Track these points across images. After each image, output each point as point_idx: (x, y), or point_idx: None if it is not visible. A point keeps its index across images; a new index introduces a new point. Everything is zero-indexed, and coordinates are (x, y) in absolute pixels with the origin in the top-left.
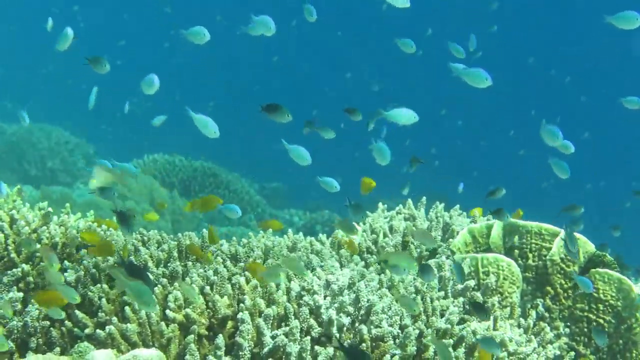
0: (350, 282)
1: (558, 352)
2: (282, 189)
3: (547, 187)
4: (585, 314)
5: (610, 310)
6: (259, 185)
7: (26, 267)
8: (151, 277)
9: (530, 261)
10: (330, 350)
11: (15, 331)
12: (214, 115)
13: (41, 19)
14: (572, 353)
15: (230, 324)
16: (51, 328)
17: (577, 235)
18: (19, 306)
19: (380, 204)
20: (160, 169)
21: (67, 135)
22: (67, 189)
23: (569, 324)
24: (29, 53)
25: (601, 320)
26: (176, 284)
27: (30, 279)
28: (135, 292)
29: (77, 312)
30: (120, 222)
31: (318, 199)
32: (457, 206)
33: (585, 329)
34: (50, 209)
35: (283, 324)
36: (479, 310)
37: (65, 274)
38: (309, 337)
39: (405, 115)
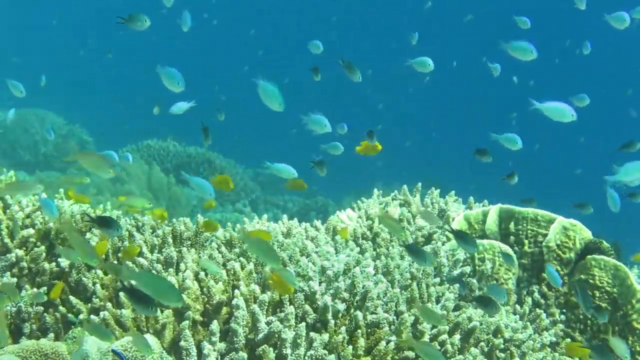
0: (346, 268)
1: (554, 339)
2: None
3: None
4: None
5: (606, 297)
6: (253, 172)
7: (20, 252)
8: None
9: (526, 247)
10: (326, 336)
11: (9, 316)
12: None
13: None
14: (568, 339)
15: (225, 309)
16: (45, 314)
17: (574, 221)
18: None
19: (375, 190)
20: (154, 155)
21: (60, 120)
22: (61, 174)
23: (564, 310)
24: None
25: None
26: (196, 256)
27: (24, 264)
28: (153, 287)
29: (71, 297)
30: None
31: (312, 185)
32: (453, 192)
33: (582, 316)
34: (44, 194)
35: (278, 310)
36: (488, 304)
37: (59, 259)
38: (304, 323)
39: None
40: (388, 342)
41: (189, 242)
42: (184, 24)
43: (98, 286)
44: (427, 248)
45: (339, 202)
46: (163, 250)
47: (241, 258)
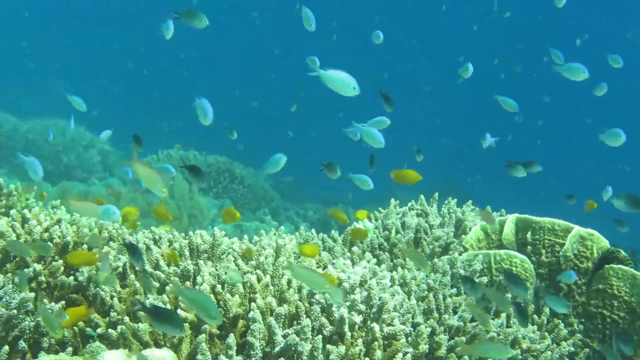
0: (362, 279)
1: (572, 349)
2: (297, 183)
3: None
4: (600, 310)
5: (624, 306)
6: (274, 180)
7: (38, 266)
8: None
9: (543, 257)
10: (342, 348)
11: (28, 331)
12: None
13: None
14: (587, 350)
15: (241, 323)
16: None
17: (591, 231)
18: (30, 306)
19: (392, 200)
20: (174, 164)
21: (82, 130)
22: (85, 184)
23: (583, 320)
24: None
25: (615, 317)
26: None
27: (42, 278)
28: (197, 304)
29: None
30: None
31: (332, 193)
32: (470, 201)
33: (600, 325)
34: (63, 207)
35: (295, 322)
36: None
37: (77, 273)
38: (320, 336)
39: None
40: (405, 354)
41: (206, 255)
42: (166, 32)
43: (115, 300)
44: (444, 258)
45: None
46: (180, 263)
47: (257, 270)
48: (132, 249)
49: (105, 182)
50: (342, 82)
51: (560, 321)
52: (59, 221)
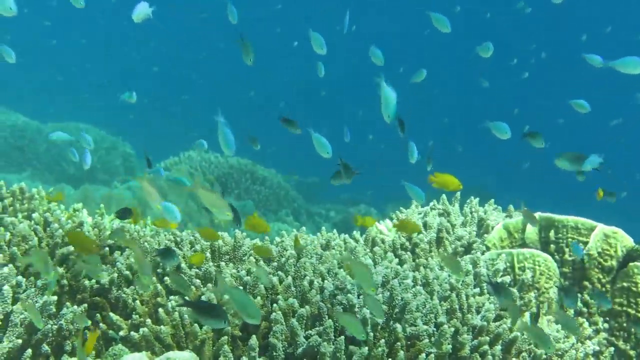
0: (384, 280)
1: (597, 348)
2: (319, 184)
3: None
4: (624, 308)
5: None
6: (295, 181)
7: (60, 269)
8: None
9: (566, 256)
10: (365, 349)
11: (50, 334)
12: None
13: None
14: (612, 348)
15: (263, 324)
16: (86, 331)
17: (615, 229)
18: (53, 309)
19: (413, 202)
20: (196, 166)
21: (103, 134)
22: (107, 187)
23: (607, 319)
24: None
25: None
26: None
27: (65, 281)
28: (239, 302)
29: (111, 314)
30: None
31: (354, 193)
32: (492, 200)
33: (625, 324)
34: (85, 210)
35: (317, 323)
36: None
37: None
38: (343, 337)
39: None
40: (428, 354)
41: (227, 257)
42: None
43: (137, 302)
44: (467, 258)
45: (382, 211)
46: (202, 265)
47: (279, 272)
48: (167, 253)
49: (128, 185)
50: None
51: (584, 320)
52: (81, 224)
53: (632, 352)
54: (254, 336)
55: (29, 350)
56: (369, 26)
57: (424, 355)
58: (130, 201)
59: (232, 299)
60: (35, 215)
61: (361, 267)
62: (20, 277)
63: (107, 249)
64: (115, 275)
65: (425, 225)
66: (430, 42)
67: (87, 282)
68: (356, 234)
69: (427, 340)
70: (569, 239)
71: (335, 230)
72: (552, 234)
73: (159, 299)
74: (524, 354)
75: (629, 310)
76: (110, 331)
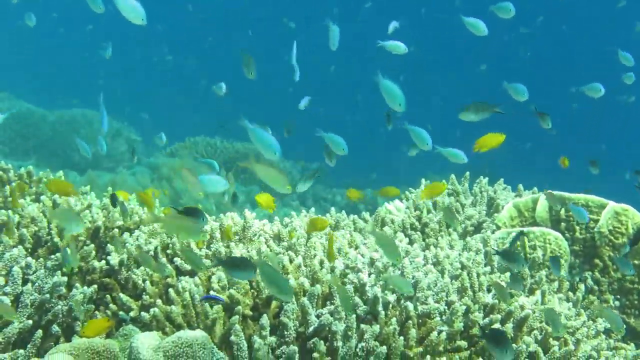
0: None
1: (608, 325)
2: (324, 169)
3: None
4: (636, 285)
5: None
6: (301, 166)
7: (69, 251)
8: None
9: (577, 234)
10: (377, 327)
11: (61, 315)
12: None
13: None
14: (624, 326)
15: (274, 303)
16: (96, 312)
17: (625, 206)
18: (63, 290)
19: (423, 181)
20: (201, 152)
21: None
22: (112, 173)
23: (618, 296)
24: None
25: None
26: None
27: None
28: (273, 280)
29: (121, 295)
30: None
31: (359, 178)
32: (501, 180)
33: (636, 301)
34: (92, 193)
35: (328, 302)
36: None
37: (109, 257)
38: (354, 315)
39: None
40: (440, 332)
41: (237, 237)
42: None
43: (148, 283)
44: (477, 237)
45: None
46: (211, 245)
47: (289, 252)
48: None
49: (133, 170)
50: (394, 94)
51: (596, 297)
52: (89, 206)
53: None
54: (265, 315)
55: (39, 331)
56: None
57: (435, 333)
58: (135, 186)
59: (264, 276)
60: (43, 197)
61: (386, 238)
62: (29, 259)
63: (116, 230)
64: (125, 256)
65: (434, 204)
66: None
67: (96, 263)
68: (365, 214)
69: (438, 319)
70: None
71: (344, 212)
72: (562, 212)
73: (169, 280)
74: (535, 331)
75: None
76: (121, 312)
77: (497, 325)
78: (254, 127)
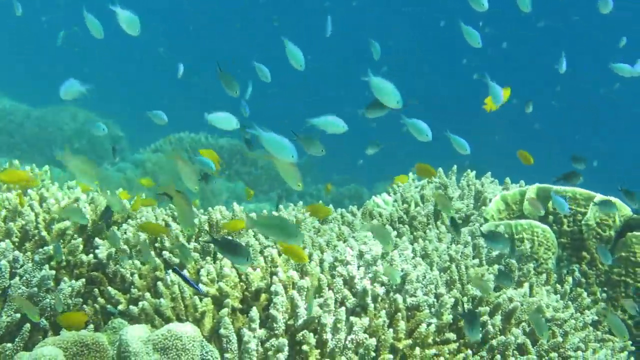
0: (384, 251)
1: (596, 317)
2: (310, 165)
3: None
4: (623, 278)
5: None
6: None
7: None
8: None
9: (565, 226)
10: (366, 320)
11: (49, 309)
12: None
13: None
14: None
15: (263, 296)
16: (84, 305)
17: (613, 199)
18: (51, 284)
19: (410, 174)
20: (186, 147)
21: (93, 116)
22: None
23: (606, 289)
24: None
25: (639, 284)
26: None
27: (62, 256)
28: (275, 227)
29: (109, 288)
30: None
31: (344, 174)
32: (489, 173)
33: (623, 294)
34: (79, 187)
35: (317, 295)
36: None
37: (97, 250)
38: (343, 308)
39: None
40: (429, 324)
41: (225, 231)
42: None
43: (136, 276)
44: (465, 229)
45: (372, 189)
46: (200, 239)
47: (278, 245)
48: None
49: (117, 166)
50: (387, 92)
51: (583, 290)
52: (77, 200)
53: (630, 322)
54: (254, 308)
55: (27, 325)
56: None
57: (424, 325)
58: (120, 182)
59: (264, 228)
60: (30, 191)
61: (381, 228)
62: (17, 252)
63: (103, 224)
64: (113, 249)
65: (422, 198)
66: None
67: (84, 257)
68: (353, 208)
69: (427, 311)
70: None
71: (331, 205)
72: (550, 204)
73: (157, 273)
74: (523, 324)
75: (628, 279)
76: (109, 306)
77: (485, 318)
78: (268, 134)
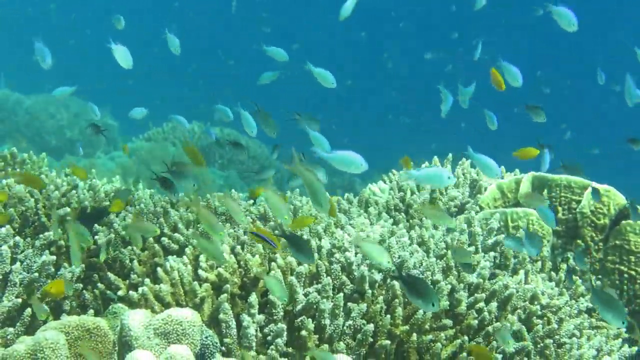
0: (381, 238)
1: (590, 305)
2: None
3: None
4: (617, 266)
5: None
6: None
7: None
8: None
9: (560, 215)
10: (364, 306)
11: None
12: None
13: None
14: None
15: (262, 282)
16: (84, 291)
17: (607, 187)
18: (52, 269)
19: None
20: (179, 136)
21: (85, 105)
22: (89, 158)
23: (600, 276)
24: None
25: (633, 272)
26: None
27: (62, 242)
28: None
29: (109, 274)
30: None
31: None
32: None
33: (617, 281)
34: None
35: (315, 281)
36: None
37: (96, 237)
38: (341, 294)
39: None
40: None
41: (224, 217)
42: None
43: (135, 262)
44: (461, 217)
45: (364, 179)
46: (198, 225)
47: (277, 231)
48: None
49: (111, 155)
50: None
51: (577, 278)
52: (75, 186)
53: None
54: (253, 293)
55: (28, 310)
56: None
57: (421, 311)
58: (114, 171)
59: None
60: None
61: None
62: (18, 238)
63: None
64: (112, 235)
65: (418, 186)
66: None
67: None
68: (349, 195)
69: None
70: (562, 198)
71: (327, 193)
72: (545, 193)
73: (156, 259)
74: (519, 310)
75: (622, 267)
76: (108, 291)
77: (481, 305)
78: (334, 154)
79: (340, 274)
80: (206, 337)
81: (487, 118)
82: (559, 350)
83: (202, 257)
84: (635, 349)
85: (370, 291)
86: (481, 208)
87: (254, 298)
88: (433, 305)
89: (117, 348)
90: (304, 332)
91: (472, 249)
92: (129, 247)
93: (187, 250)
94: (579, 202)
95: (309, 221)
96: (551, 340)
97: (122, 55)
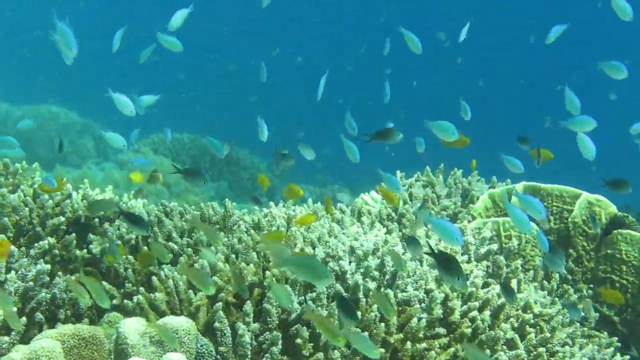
0: (375, 247)
1: (582, 314)
2: (292, 165)
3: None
4: (609, 275)
5: (633, 270)
6: (268, 162)
7: (51, 240)
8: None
9: (552, 224)
10: (358, 314)
11: (44, 303)
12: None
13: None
14: (596, 314)
15: (257, 291)
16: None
17: (599, 197)
18: (46, 278)
19: (398, 172)
20: (169, 147)
21: (74, 116)
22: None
23: (592, 285)
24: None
25: (624, 281)
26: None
27: (56, 251)
28: (306, 268)
29: (104, 283)
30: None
31: (326, 175)
32: (476, 172)
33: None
34: (69, 185)
35: (308, 290)
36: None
37: (90, 246)
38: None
39: None
40: (419, 319)
41: (218, 226)
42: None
43: (130, 271)
44: None
45: (354, 190)
46: (193, 234)
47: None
48: (129, 217)
49: (101, 166)
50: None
51: (569, 287)
52: (69, 196)
53: (615, 318)
54: (248, 302)
55: (23, 319)
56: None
57: (415, 320)
58: (104, 182)
59: (295, 268)
60: (23, 187)
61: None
62: (12, 247)
63: (96, 220)
64: (107, 245)
65: (410, 196)
66: None
67: (78, 252)
68: (342, 205)
69: (417, 306)
70: (554, 207)
71: (319, 203)
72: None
73: (151, 268)
74: (512, 319)
75: (613, 277)
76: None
77: (474, 313)
78: (437, 220)
79: (334, 282)
80: (202, 346)
81: (462, 108)
82: (551, 358)
83: (196, 266)
84: (627, 357)
85: (364, 300)
86: (473, 217)
87: (249, 306)
88: (458, 279)
89: (113, 356)
90: (299, 340)
91: (465, 257)
92: (123, 256)
93: (181, 259)
94: (570, 211)
95: (310, 219)
96: (544, 349)
97: (123, 103)
